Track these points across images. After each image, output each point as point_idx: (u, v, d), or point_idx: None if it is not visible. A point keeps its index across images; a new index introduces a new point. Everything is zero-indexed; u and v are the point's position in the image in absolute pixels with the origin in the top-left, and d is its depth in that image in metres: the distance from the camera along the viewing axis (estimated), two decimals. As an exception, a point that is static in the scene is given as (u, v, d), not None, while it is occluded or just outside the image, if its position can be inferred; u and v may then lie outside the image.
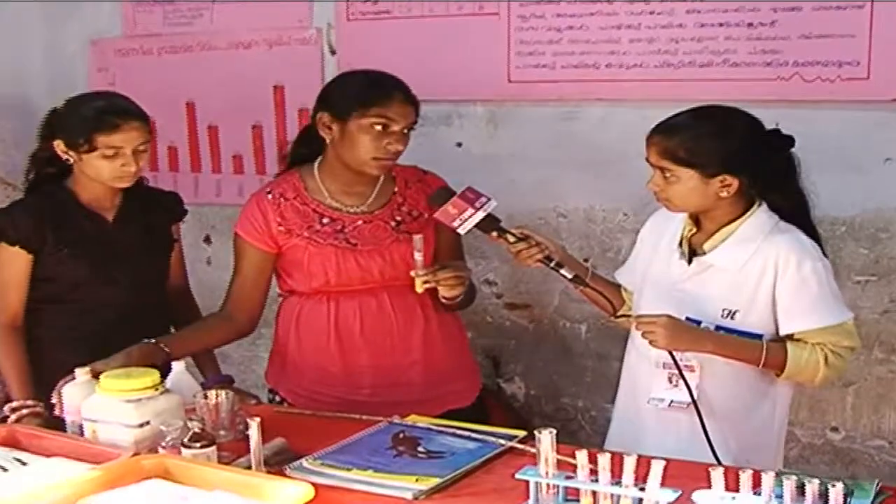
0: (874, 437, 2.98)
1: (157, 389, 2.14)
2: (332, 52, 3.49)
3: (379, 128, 2.39)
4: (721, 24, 2.94)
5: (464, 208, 2.29)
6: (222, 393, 2.25)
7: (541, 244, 2.35)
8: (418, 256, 2.36)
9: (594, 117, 3.16)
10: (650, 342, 2.20)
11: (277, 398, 2.63)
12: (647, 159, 2.28)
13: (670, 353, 2.21)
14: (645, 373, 2.36)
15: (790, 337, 2.25)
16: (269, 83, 3.59)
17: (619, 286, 2.57)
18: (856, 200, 2.74)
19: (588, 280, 2.45)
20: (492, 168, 3.19)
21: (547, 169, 3.20)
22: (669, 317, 2.18)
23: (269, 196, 2.53)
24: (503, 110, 3.27)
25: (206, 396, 2.23)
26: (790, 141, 2.26)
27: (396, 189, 2.57)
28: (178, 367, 2.34)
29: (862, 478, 2.89)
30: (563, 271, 2.36)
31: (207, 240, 3.82)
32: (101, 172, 2.49)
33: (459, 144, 3.35)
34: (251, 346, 3.69)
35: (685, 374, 2.24)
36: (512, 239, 2.35)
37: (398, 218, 2.55)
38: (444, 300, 2.49)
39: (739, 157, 2.19)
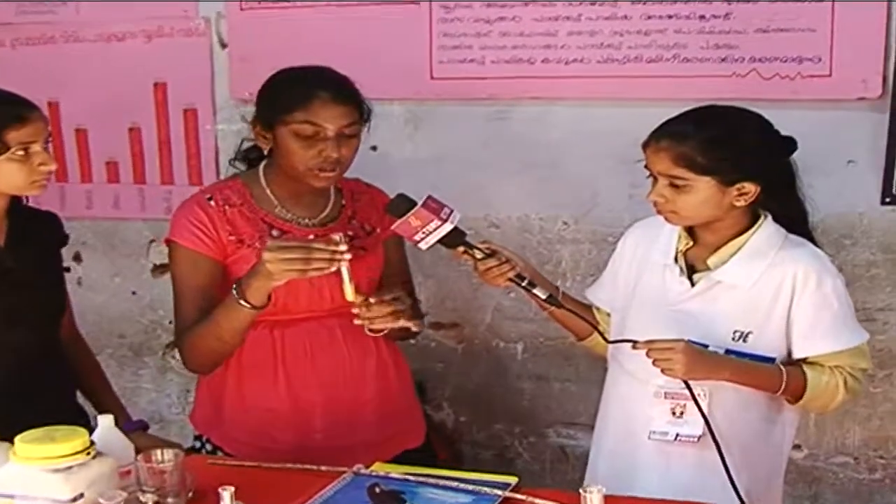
0: (838, 454, 2.93)
1: (88, 453, 1.82)
2: (223, 46, 3.23)
3: (307, 133, 2.18)
4: (670, 16, 2.83)
5: (428, 220, 2.07)
6: (169, 452, 1.95)
7: (510, 261, 2.18)
8: (344, 265, 2.09)
9: (528, 117, 3.01)
10: (664, 371, 2.04)
11: (208, 447, 2.36)
12: (648, 167, 2.13)
13: (686, 383, 2.05)
14: (642, 403, 2.20)
15: (803, 360, 2.13)
16: (148, 80, 3.30)
17: (589, 306, 2.41)
18: (818, 205, 2.63)
19: (560, 300, 2.27)
20: (412, 174, 2.97)
21: (476, 174, 3.03)
22: (687, 343, 2.03)
23: (212, 202, 2.27)
24: (424, 109, 3.09)
25: (149, 459, 1.91)
26: (794, 143, 2.15)
27: (345, 202, 2.38)
28: (105, 420, 2.02)
29: (826, 497, 2.85)
30: (535, 291, 2.19)
31: (77, 258, 3.45)
32: (14, 178, 2.11)
33: (374, 148, 3.09)
34: (133, 375, 3.46)
35: (691, 402, 2.07)
36: (480, 255, 2.16)
37: (350, 233, 2.34)
38: (370, 333, 2.27)
39: (758, 162, 2.06)
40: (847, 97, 2.72)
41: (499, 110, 3.02)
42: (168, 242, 2.29)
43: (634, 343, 2.07)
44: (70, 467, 1.79)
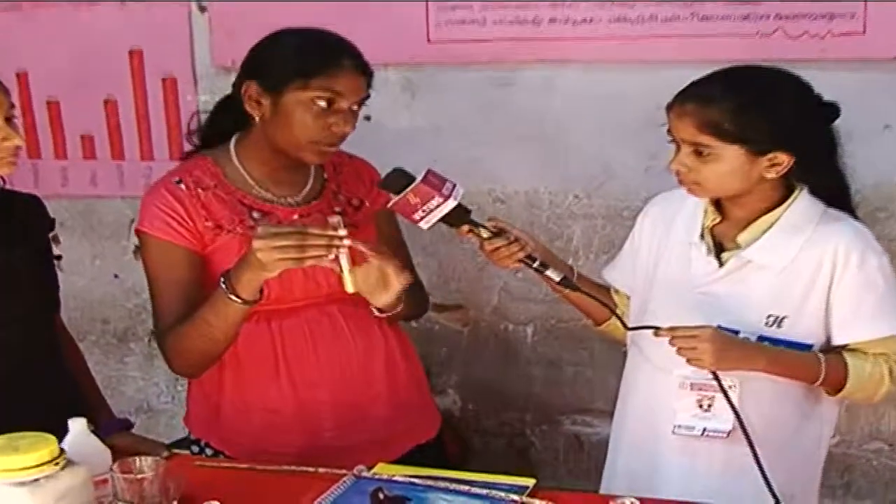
0: (872, 440, 2.81)
1: (57, 464, 1.67)
2: (202, 10, 3.08)
3: (322, 104, 2.02)
4: None
5: (429, 196, 1.92)
6: (148, 459, 1.80)
7: (520, 240, 2.03)
8: (348, 278, 1.95)
9: (535, 82, 2.86)
10: (689, 361, 1.90)
11: (208, 451, 2.22)
12: (671, 133, 1.98)
13: (714, 374, 1.91)
14: (665, 394, 2.05)
15: (843, 347, 1.99)
16: (123, 48, 3.14)
17: (607, 288, 2.28)
18: (851, 175, 2.49)
19: (575, 281, 2.14)
20: (409, 145, 2.86)
21: (479, 145, 2.89)
22: (715, 329, 1.89)
23: (182, 186, 2.10)
24: (422, 75, 2.94)
25: (125, 468, 1.76)
26: (836, 109, 1.99)
27: (327, 176, 2.22)
28: (77, 424, 1.86)
29: (860, 486, 2.71)
30: (548, 272, 2.05)
31: (55, 239, 3.25)
32: None
33: (368, 118, 2.87)
34: (119, 362, 3.35)
35: (720, 394, 1.93)
36: (486, 234, 2.02)
37: (337, 209, 2.19)
38: (375, 311, 2.16)
39: (792, 130, 1.91)
40: (882, 57, 2.57)
41: (502, 75, 2.87)
42: (138, 233, 2.12)
43: (657, 330, 1.93)
44: (36, 480, 1.64)
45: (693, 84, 1.97)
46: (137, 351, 3.30)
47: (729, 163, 1.91)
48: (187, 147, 2.28)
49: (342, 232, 1.87)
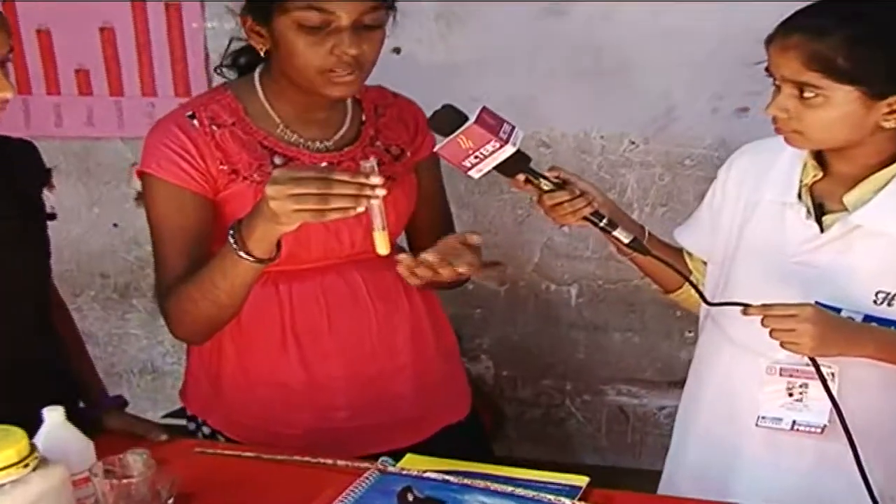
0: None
1: (27, 465, 1.41)
2: (212, -74, 2.82)
3: (311, 24, 1.72)
4: None
5: (484, 140, 1.65)
6: (136, 458, 1.54)
7: (586, 194, 1.77)
8: (376, 203, 1.62)
9: (591, 13, 2.63)
10: (784, 345, 1.63)
11: (205, 429, 1.98)
12: (769, 71, 1.69)
13: (812, 360, 1.64)
14: (749, 380, 1.78)
15: None
16: None
17: (679, 250, 2.00)
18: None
19: (646, 243, 1.87)
20: (444, 83, 2.59)
21: (523, 83, 2.65)
22: (817, 308, 1.61)
23: (195, 121, 1.83)
24: (461, 4, 2.68)
25: (109, 470, 1.52)
26: None
27: (365, 118, 1.94)
28: (53, 415, 1.61)
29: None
30: (616, 233, 1.78)
31: (48, 185, 2.99)
32: None
33: (397, 51, 2.75)
34: (120, 319, 3.13)
35: (815, 381, 1.66)
36: (547, 186, 1.75)
37: (372, 157, 1.87)
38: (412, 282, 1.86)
39: None
40: None
41: (554, 5, 2.65)
42: (141, 175, 1.85)
43: (746, 307, 1.64)
44: (2, 486, 1.39)
45: (799, 12, 1.67)
46: (140, 307, 3.08)
47: (839, 107, 1.61)
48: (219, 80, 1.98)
49: (376, 179, 1.56)
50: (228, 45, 1.98)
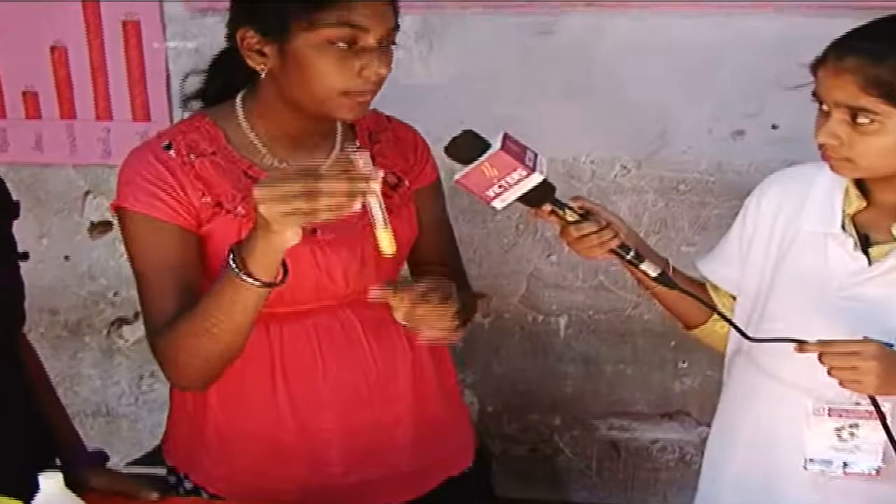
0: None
1: None
2: (173, -62, 2.68)
3: (343, 45, 1.59)
4: None
5: (509, 168, 1.56)
6: None
7: (612, 225, 1.69)
8: (374, 198, 1.48)
9: (580, 29, 2.53)
10: (844, 383, 1.57)
11: (187, 484, 1.84)
12: (818, 95, 1.63)
13: (872, 400, 1.59)
14: (794, 420, 1.72)
15: None
16: None
17: (702, 283, 1.94)
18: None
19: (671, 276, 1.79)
20: (426, 103, 2.48)
21: (509, 104, 2.54)
22: (881, 346, 1.56)
23: (172, 151, 1.70)
24: (442, 21, 2.58)
25: None
26: None
27: (359, 143, 1.82)
28: (50, 482, 1.47)
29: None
30: (643, 266, 1.71)
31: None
32: None
33: None
34: (71, 359, 2.96)
35: (866, 421, 1.64)
36: (573, 217, 1.67)
37: None
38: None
39: None
40: None
41: (541, 21, 2.54)
42: (118, 210, 1.70)
43: (802, 344, 1.57)
44: None
45: (852, 35, 1.62)
46: (94, 345, 2.90)
47: (895, 133, 1.55)
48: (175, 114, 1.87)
49: (369, 170, 1.43)
50: (185, 79, 1.85)
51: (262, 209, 1.40)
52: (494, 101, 2.53)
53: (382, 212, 1.45)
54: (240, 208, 1.66)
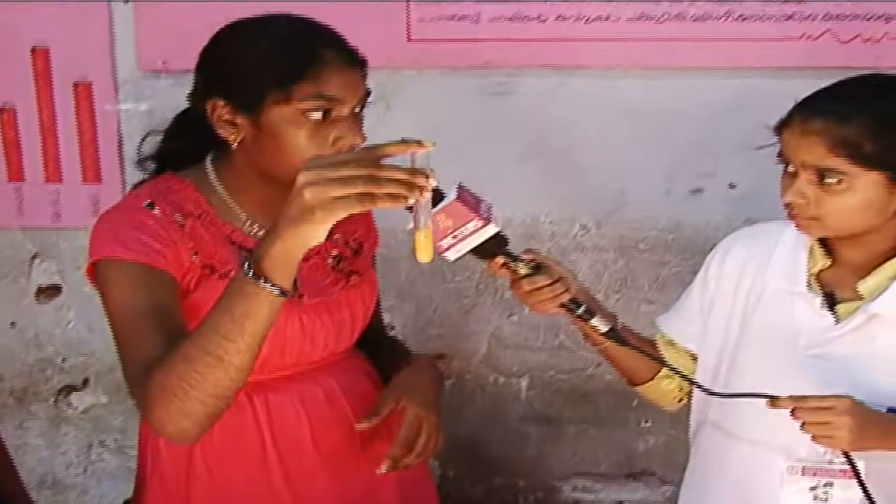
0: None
1: None
2: (126, 0, 2.59)
3: (317, 115, 1.59)
4: None
5: (465, 218, 1.54)
6: None
7: (564, 279, 1.70)
8: (424, 240, 1.36)
9: (537, 91, 2.52)
10: (817, 439, 1.58)
11: None
12: (785, 155, 1.66)
13: (847, 456, 1.60)
14: (766, 480, 1.72)
15: None
16: (24, 45, 2.63)
17: (651, 340, 1.96)
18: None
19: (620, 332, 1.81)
20: (384, 162, 2.39)
21: (468, 164, 2.37)
22: (853, 401, 1.57)
23: (155, 209, 1.64)
24: (400, 81, 2.54)
25: None
26: None
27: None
28: None
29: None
30: (594, 321, 1.72)
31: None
32: None
33: None
34: (17, 428, 2.84)
35: (840, 480, 1.66)
36: (525, 270, 1.67)
37: (334, 252, 1.81)
38: None
39: None
40: (948, 64, 2.30)
41: (499, 82, 2.51)
42: (98, 264, 1.61)
43: (773, 400, 1.58)
44: None
45: (816, 97, 1.66)
46: (41, 414, 2.79)
47: (862, 193, 1.60)
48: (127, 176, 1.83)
49: (426, 165, 1.31)
50: (144, 139, 1.81)
51: (309, 193, 1.26)
52: (452, 161, 2.39)
53: (427, 214, 1.33)
54: (233, 273, 1.48)
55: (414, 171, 1.27)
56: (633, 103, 2.44)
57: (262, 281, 1.33)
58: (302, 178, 1.27)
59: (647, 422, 2.58)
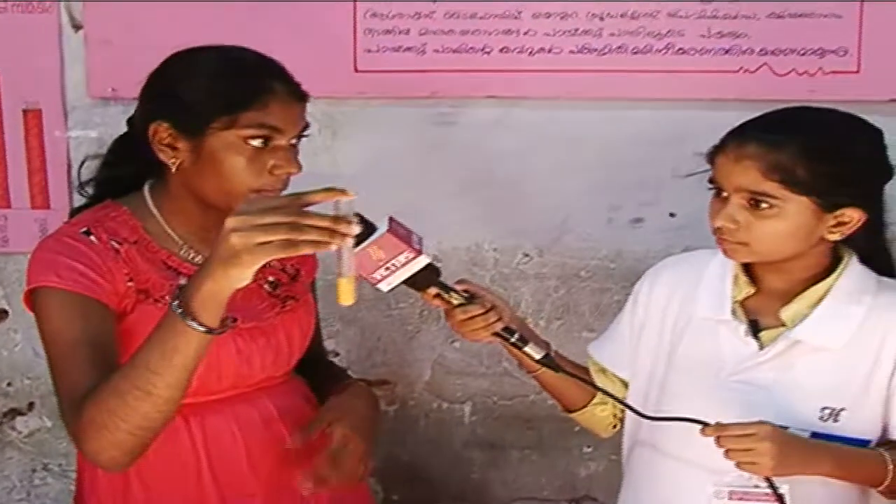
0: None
1: None
2: (76, 27, 2.60)
3: (258, 143, 1.66)
4: None
5: (396, 250, 1.58)
6: None
7: (497, 308, 1.74)
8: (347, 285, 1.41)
9: (482, 121, 2.53)
10: (741, 465, 1.61)
11: None
12: (716, 181, 1.71)
13: (769, 480, 1.63)
14: (693, 500, 1.75)
15: None
16: None
17: (585, 367, 1.99)
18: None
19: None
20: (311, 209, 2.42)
21: (413, 193, 2.51)
22: (774, 427, 1.60)
23: (91, 237, 1.68)
24: (346, 111, 2.56)
25: None
26: (892, 166, 1.76)
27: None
28: None
29: None
30: (527, 349, 1.75)
31: None
32: None
33: None
34: None
35: None
36: (458, 300, 1.71)
37: (271, 277, 1.85)
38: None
39: (868, 182, 1.68)
40: (878, 98, 2.35)
41: (443, 112, 2.53)
42: (34, 292, 1.65)
43: (704, 426, 1.60)
44: None
45: (751, 123, 1.70)
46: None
47: (792, 218, 1.64)
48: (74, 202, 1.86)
49: (350, 212, 1.36)
50: (82, 165, 1.87)
51: (235, 238, 1.31)
52: (398, 191, 2.47)
53: (350, 260, 1.39)
54: (167, 297, 1.59)
55: (336, 219, 1.32)
56: (575, 134, 2.46)
57: (189, 319, 1.38)
58: (229, 223, 1.32)
59: (589, 448, 2.58)
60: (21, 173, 2.64)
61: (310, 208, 1.33)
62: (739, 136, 1.67)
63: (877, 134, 1.71)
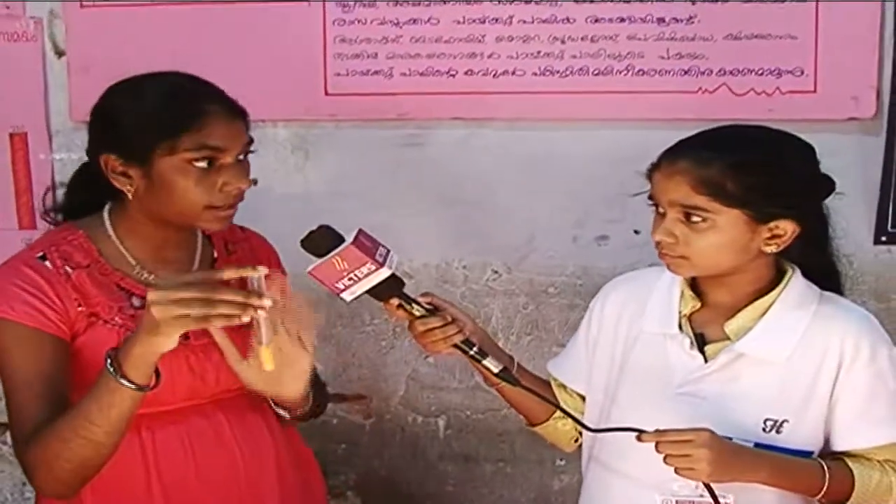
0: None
1: None
2: (59, 54, 2.64)
3: (203, 164, 1.68)
4: (623, 20, 2.40)
5: (359, 262, 1.62)
6: None
7: (457, 321, 1.76)
8: (263, 315, 1.50)
9: (448, 142, 2.54)
10: (681, 471, 1.60)
11: None
12: (654, 197, 1.72)
13: (708, 487, 1.62)
14: None
15: (844, 453, 1.72)
16: None
17: (547, 381, 1.99)
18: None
19: (515, 373, 1.84)
20: (302, 212, 2.47)
21: (383, 212, 2.52)
22: (712, 434, 1.60)
23: (46, 262, 1.72)
24: (317, 133, 2.58)
25: None
26: (833, 183, 1.75)
27: (216, 255, 1.89)
28: None
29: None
30: (486, 362, 1.76)
31: None
32: None
33: (254, 181, 2.57)
34: None
35: None
36: (419, 312, 1.73)
37: None
38: (281, 412, 1.89)
39: (800, 195, 1.67)
40: (835, 117, 2.35)
41: (411, 133, 2.54)
42: None
43: (640, 434, 1.61)
44: None
45: (683, 142, 1.71)
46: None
47: (725, 231, 1.64)
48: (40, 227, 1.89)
49: (262, 286, 1.47)
50: (46, 193, 1.95)
51: (155, 311, 1.42)
52: (369, 210, 2.50)
53: (268, 329, 1.50)
54: (117, 318, 1.69)
55: (248, 294, 1.44)
56: (540, 153, 2.46)
57: (121, 377, 1.50)
58: (150, 296, 1.44)
59: (562, 461, 2.56)
60: (8, 195, 2.67)
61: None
62: (672, 154, 1.68)
63: (807, 149, 1.71)
